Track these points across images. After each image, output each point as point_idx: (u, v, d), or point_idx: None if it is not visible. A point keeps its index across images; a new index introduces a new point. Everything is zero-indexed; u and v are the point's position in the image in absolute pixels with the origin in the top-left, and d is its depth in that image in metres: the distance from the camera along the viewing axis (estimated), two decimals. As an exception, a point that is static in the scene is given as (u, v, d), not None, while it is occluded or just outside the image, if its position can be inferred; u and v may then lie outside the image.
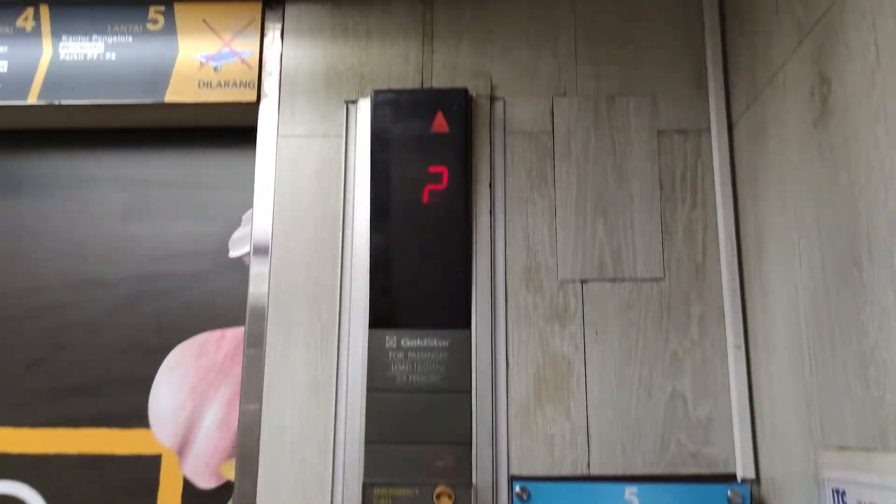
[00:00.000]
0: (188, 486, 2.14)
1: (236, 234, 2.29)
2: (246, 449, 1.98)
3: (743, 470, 1.87)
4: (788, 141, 1.65)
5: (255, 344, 2.04)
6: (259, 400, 2.00)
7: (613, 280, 2.01)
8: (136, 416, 2.20)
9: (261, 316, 2.05)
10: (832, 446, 1.46)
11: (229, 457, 2.15)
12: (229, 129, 2.32)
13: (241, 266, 2.26)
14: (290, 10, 2.23)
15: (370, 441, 1.91)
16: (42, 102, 2.20)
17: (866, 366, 1.32)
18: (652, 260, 2.02)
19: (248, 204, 2.22)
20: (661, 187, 2.05)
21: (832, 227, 1.44)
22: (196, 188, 2.33)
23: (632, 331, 1.98)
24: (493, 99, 2.13)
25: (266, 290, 2.06)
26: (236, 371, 2.19)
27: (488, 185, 2.06)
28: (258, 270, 2.09)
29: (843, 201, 1.40)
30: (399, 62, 2.18)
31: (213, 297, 2.26)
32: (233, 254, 2.28)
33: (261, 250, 2.10)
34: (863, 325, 1.33)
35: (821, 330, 1.50)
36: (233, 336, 2.22)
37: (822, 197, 1.49)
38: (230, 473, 2.13)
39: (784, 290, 1.69)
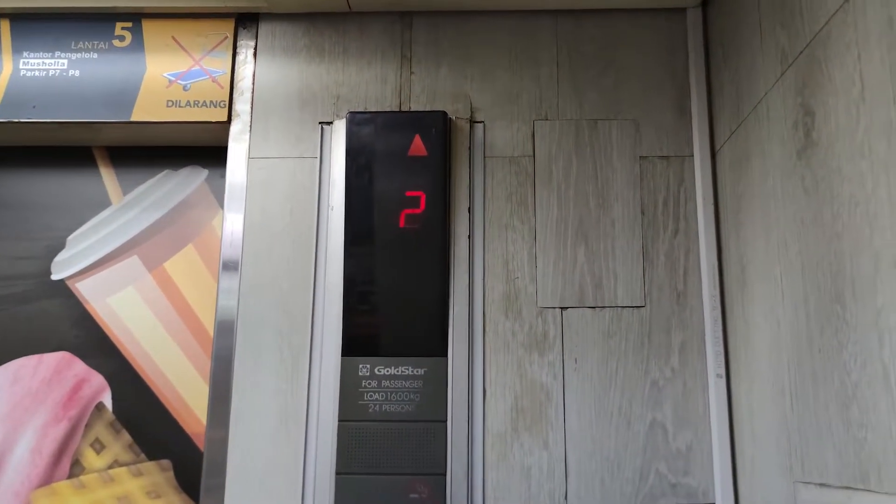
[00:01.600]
0: (-5, 516, 2.10)
1: (60, 257, 2.25)
2: (211, 480, 1.93)
3: (722, 501, 1.84)
4: (772, 171, 1.62)
5: (222, 362, 1.99)
6: (225, 424, 1.94)
7: (594, 307, 1.97)
8: None
9: (229, 331, 2.00)
10: (812, 483, 1.43)
11: (42, 484, 2.10)
12: (67, 148, 2.28)
13: (63, 289, 2.22)
14: (265, 29, 2.18)
15: (341, 472, 1.86)
16: (1, 120, 2.14)
17: (848, 405, 1.29)
18: (633, 287, 1.98)
19: (75, 226, 2.24)
20: (643, 213, 2.02)
21: (815, 262, 1.41)
22: (19, 209, 2.28)
23: (612, 359, 1.95)
24: (472, 122, 2.09)
25: (234, 304, 2.01)
26: (52, 398, 2.15)
27: (467, 209, 2.01)
28: (227, 286, 2.04)
29: (827, 236, 1.36)
30: (376, 83, 2.13)
31: (33, 322, 2.21)
32: (55, 276, 2.24)
33: (230, 266, 2.05)
34: (845, 364, 1.30)
35: (802, 366, 1.47)
36: (50, 362, 2.18)
37: (805, 230, 1.46)
38: (42, 502, 2.09)
39: (766, 322, 1.66)
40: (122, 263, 2.24)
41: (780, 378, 1.57)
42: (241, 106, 2.13)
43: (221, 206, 2.21)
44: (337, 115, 2.11)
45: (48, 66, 2.17)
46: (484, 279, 2.00)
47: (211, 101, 2.12)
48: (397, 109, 2.11)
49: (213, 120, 2.12)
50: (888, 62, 1.15)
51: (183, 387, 2.16)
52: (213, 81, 2.14)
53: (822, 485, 1.39)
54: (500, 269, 2.00)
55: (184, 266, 2.23)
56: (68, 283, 2.24)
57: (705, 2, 2.09)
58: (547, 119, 2.09)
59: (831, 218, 1.34)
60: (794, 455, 1.51)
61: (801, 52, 1.47)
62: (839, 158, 1.31)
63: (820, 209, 1.39)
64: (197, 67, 2.15)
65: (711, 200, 1.99)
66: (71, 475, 2.12)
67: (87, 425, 2.15)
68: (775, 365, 1.60)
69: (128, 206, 2.27)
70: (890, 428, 1.16)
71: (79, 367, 2.18)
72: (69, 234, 2.26)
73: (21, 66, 2.17)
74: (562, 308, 1.98)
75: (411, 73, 2.14)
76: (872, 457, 1.21)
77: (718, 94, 1.99)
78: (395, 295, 1.95)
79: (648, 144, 2.06)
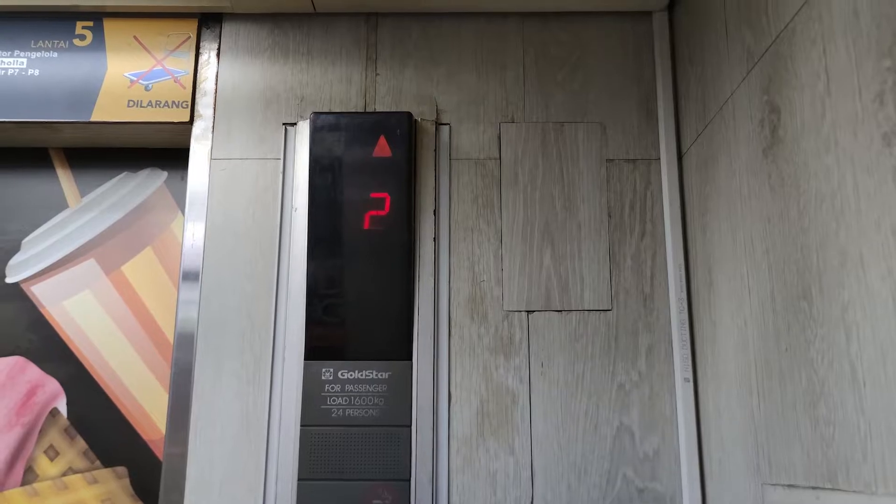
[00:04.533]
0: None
1: (14, 260, 2.20)
2: (170, 487, 1.88)
3: (690, 506, 1.83)
4: (738, 170, 1.62)
5: (182, 374, 1.94)
6: (185, 437, 1.89)
7: (560, 311, 1.96)
8: None
9: (189, 343, 1.95)
10: (780, 484, 1.42)
11: None
12: (23, 149, 2.23)
13: (18, 292, 2.18)
14: (228, 28, 2.15)
15: (304, 478, 1.82)
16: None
17: (815, 403, 1.28)
18: (600, 290, 1.97)
19: (30, 228, 2.20)
20: (610, 216, 2.02)
21: (782, 260, 1.41)
22: None
23: (578, 363, 1.93)
24: (438, 124, 2.07)
25: (195, 316, 1.96)
26: (5, 403, 2.11)
27: (432, 211, 1.99)
28: (187, 296, 1.99)
29: (793, 233, 1.36)
30: (341, 84, 2.11)
31: None
32: (10, 279, 2.19)
33: (190, 276, 2.00)
34: (812, 361, 1.29)
35: (770, 365, 1.46)
36: (3, 366, 2.13)
37: (771, 228, 1.45)
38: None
39: (733, 323, 1.65)
40: (78, 266, 2.18)
41: (748, 378, 1.57)
42: (204, 107, 2.10)
43: (181, 208, 2.17)
44: (301, 117, 2.08)
45: (7, 65, 2.11)
46: (449, 282, 1.97)
47: (173, 102, 2.08)
48: (362, 110, 2.08)
49: (175, 120, 2.08)
50: (853, 54, 1.16)
51: (140, 392, 2.11)
52: (176, 82, 2.10)
53: (790, 486, 1.38)
54: (465, 271, 1.98)
55: (142, 269, 2.19)
56: (23, 286, 2.18)
57: (671, 5, 2.10)
58: (513, 121, 2.08)
59: (797, 214, 1.34)
60: (761, 456, 1.50)
61: (767, 50, 1.47)
62: (805, 154, 1.31)
63: (786, 206, 1.39)
64: (159, 67, 2.11)
65: (678, 203, 1.99)
66: (24, 482, 2.06)
67: (40, 431, 2.09)
68: (742, 365, 1.60)
69: (85, 209, 2.22)
70: (857, 425, 1.15)
71: (33, 371, 2.13)
72: (24, 237, 2.21)
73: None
74: (528, 311, 1.96)
75: (376, 74, 2.12)
76: (840, 455, 1.20)
77: (685, 97, 2.00)
78: (360, 298, 1.92)
79: (615, 147, 2.06)
